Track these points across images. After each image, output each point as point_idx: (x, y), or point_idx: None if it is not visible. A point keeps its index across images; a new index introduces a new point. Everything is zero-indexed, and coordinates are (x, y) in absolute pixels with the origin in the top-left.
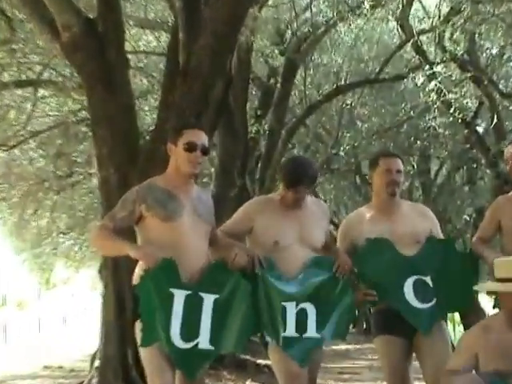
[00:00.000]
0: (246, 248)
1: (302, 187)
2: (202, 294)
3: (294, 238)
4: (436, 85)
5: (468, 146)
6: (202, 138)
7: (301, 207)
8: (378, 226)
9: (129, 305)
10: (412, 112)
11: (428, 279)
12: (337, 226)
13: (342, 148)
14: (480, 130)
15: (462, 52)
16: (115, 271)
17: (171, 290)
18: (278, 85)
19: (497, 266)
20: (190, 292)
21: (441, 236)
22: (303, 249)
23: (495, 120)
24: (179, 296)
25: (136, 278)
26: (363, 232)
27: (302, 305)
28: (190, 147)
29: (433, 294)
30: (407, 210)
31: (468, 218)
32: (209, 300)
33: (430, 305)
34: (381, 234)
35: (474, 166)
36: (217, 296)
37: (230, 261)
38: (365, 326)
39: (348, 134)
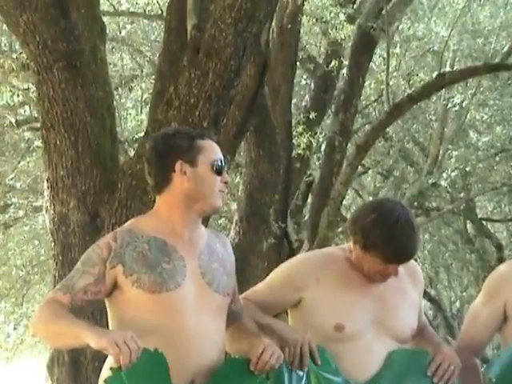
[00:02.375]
0: (289, 330)
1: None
2: None
3: (369, 322)
4: None
5: None
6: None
7: None
8: None
9: None
10: None
11: None
12: (434, 302)
13: (444, 175)
14: None
15: None
16: (74, 369)
17: None
18: (344, 71)
19: None
20: None
21: None
22: (383, 340)
23: None
24: None
25: (101, 383)
26: None
27: None
28: (220, 168)
29: None
30: None
31: None
32: None
33: None
34: None
35: None
36: None
37: (255, 358)
38: None
39: (455, 153)
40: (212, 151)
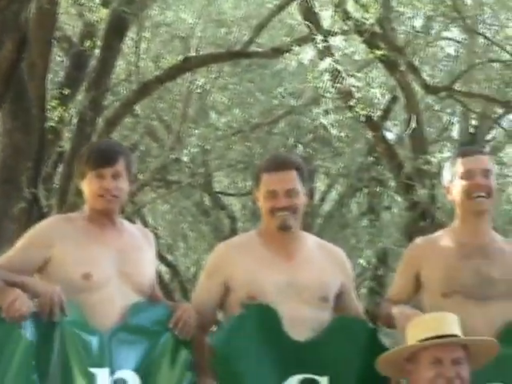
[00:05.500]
0: (41, 283)
1: (116, 169)
2: None
3: (114, 271)
4: (331, 64)
5: (372, 158)
6: None
7: (118, 230)
8: (269, 269)
9: None
10: (294, 102)
11: (324, 381)
12: (172, 267)
13: (185, 151)
14: (390, 136)
15: (371, 21)
16: None
17: None
18: (97, 50)
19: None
20: None
21: (352, 295)
22: (125, 291)
23: (413, 124)
24: None
25: None
26: (247, 273)
27: (121, 373)
28: None
29: None
30: (313, 248)
31: (366, 264)
32: None
33: None
34: (274, 283)
35: (378, 188)
36: None
37: (5, 308)
38: None
39: (196, 131)
40: None
